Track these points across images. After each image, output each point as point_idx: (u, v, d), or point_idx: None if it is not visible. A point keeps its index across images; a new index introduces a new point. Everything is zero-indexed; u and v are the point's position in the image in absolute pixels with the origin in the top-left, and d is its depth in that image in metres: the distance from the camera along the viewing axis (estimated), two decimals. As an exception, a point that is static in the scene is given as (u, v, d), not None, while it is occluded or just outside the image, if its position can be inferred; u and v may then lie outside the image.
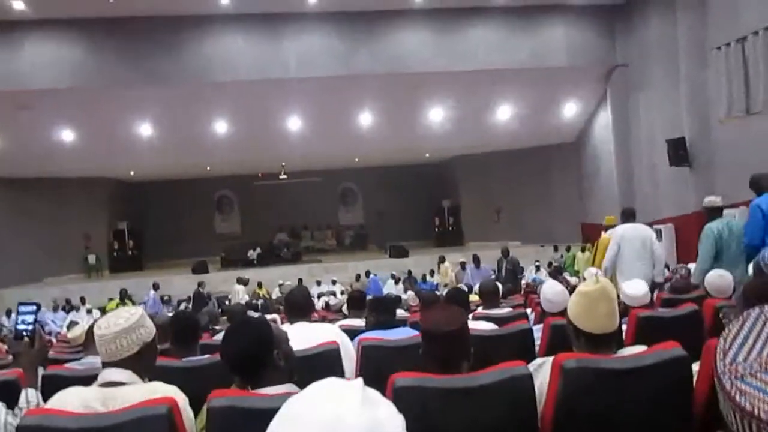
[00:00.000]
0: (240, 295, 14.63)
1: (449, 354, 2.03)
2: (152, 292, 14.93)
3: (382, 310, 3.70)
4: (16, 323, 2.40)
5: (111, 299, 14.76)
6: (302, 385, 1.90)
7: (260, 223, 24.83)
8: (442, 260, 15.05)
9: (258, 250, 21.14)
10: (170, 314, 8.76)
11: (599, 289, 2.17)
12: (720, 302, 3.58)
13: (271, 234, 23.08)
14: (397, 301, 9.22)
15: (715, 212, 5.87)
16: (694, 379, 2.04)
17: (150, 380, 2.06)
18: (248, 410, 1.77)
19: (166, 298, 16.35)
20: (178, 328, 3.34)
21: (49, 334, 10.69)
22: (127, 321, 2.05)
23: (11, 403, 2.21)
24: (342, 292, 15.67)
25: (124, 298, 14.04)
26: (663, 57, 13.72)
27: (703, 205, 6.06)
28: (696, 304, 3.65)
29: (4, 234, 17.86)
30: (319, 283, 17.36)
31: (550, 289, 3.79)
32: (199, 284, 15.18)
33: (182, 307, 14.22)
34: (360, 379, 1.07)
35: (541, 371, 2.18)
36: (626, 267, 6.43)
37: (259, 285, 16.64)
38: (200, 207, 25.59)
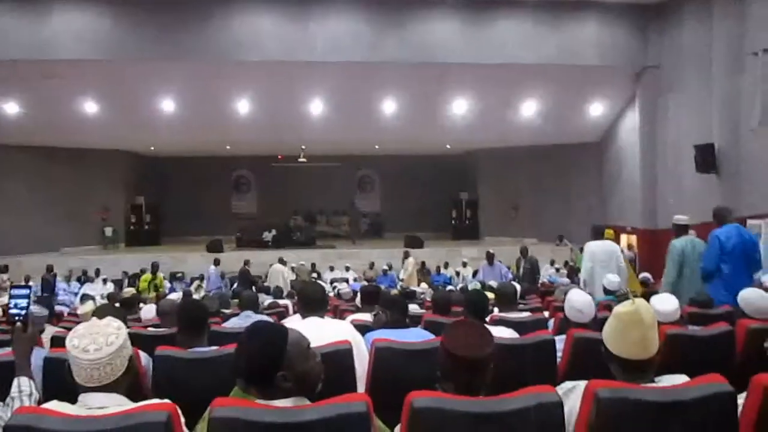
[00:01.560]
0: (284, 276, 14.00)
1: (474, 380, 1.90)
2: (212, 267, 14.87)
3: (395, 310, 3.59)
4: (9, 306, 2.25)
5: (143, 271, 14.79)
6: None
7: (276, 205, 24.84)
8: (406, 255, 15.04)
9: (273, 232, 21.13)
10: (178, 295, 8.94)
11: (632, 313, 2.02)
12: (755, 324, 3.40)
13: (287, 217, 23.12)
14: (411, 296, 9.10)
15: (681, 230, 6.59)
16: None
17: (141, 399, 1.86)
18: (254, 424, 1.65)
19: (179, 274, 16.42)
20: (185, 316, 3.24)
21: (61, 304, 10.58)
22: (118, 337, 1.87)
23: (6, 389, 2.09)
24: (355, 279, 15.66)
25: (156, 271, 14.00)
26: (696, 60, 13.37)
27: (673, 222, 6.76)
28: (727, 323, 3.49)
29: (24, 201, 18.07)
30: (332, 269, 17.35)
31: (579, 299, 3.62)
32: (246, 262, 14.92)
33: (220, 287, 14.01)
34: None
35: (571, 396, 2.03)
36: (596, 279, 7.29)
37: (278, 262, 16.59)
38: (218, 185, 25.67)
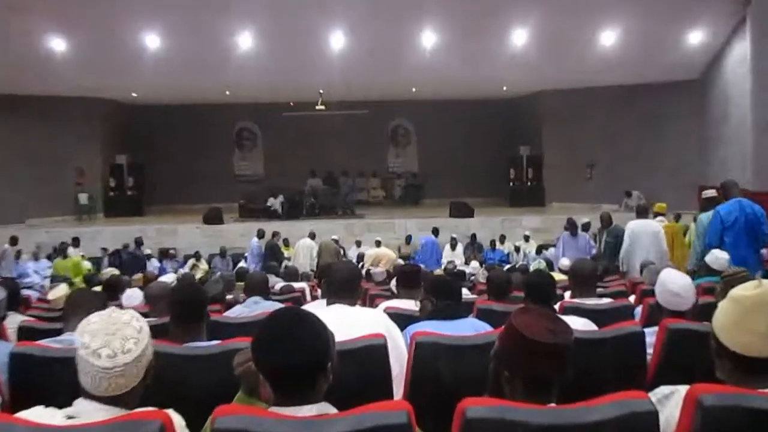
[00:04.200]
0: (313, 254, 14.36)
1: (554, 374, 1.90)
2: (255, 239, 15.39)
3: (443, 295, 3.56)
4: None
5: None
6: (335, 391, 1.88)
7: (289, 166, 24.93)
8: (357, 243, 15.61)
9: (281, 198, 21.07)
10: (171, 277, 9.10)
11: (758, 296, 1.96)
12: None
13: (302, 179, 23.20)
14: (460, 277, 9.17)
15: (709, 203, 7.65)
16: None
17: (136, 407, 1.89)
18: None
19: (172, 251, 16.64)
20: (179, 302, 3.27)
21: (29, 288, 10.81)
22: (138, 342, 1.87)
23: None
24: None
25: (67, 249, 14.33)
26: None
27: (703, 197, 7.98)
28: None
29: (-20, 163, 18.42)
30: (359, 244, 17.44)
31: (676, 280, 3.54)
32: (274, 234, 15.40)
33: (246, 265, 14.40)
34: None
35: (668, 405, 2.01)
36: (636, 261, 8.28)
37: (285, 243, 16.84)
38: (216, 141, 25.77)
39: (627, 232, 8.95)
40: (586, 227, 11.96)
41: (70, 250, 14.80)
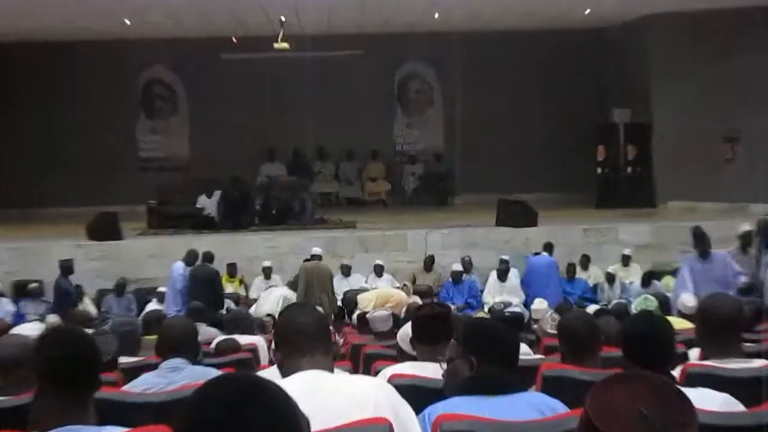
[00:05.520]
0: (270, 300, 14.69)
1: None
2: (179, 265, 15.66)
3: (489, 353, 3.62)
4: None
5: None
6: None
7: (230, 142, 25.12)
8: (344, 271, 16.61)
9: (216, 196, 20.75)
10: (35, 326, 9.14)
11: None
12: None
13: (253, 164, 23.50)
14: (518, 324, 9.56)
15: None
16: None
17: None
18: None
19: (34, 285, 16.51)
20: (49, 365, 3.32)
21: None
22: None
23: None
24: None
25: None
26: None
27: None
28: None
29: None
30: (347, 272, 17.52)
31: None
32: (199, 258, 15.76)
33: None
34: None
35: None
36: None
37: (230, 271, 17.21)
38: (107, 103, 25.60)
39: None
40: (747, 240, 12.11)
41: None
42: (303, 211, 21.55)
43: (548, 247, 17.07)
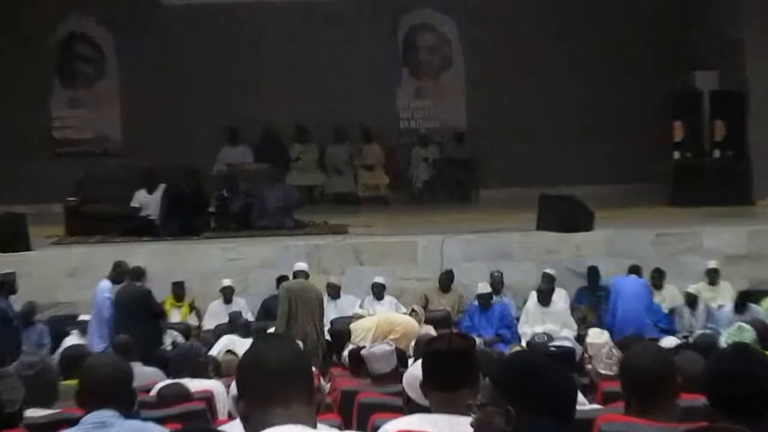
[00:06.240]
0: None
1: None
2: (106, 285, 15.41)
3: (534, 400, 3.22)
4: None
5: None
6: None
7: (177, 119, 24.41)
8: (331, 292, 16.31)
9: (160, 191, 20.23)
10: None
11: None
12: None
13: (210, 150, 23.11)
14: (569, 363, 9.71)
15: None
16: None
17: None
18: None
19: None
20: None
21: None
22: None
23: None
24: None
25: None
26: None
27: None
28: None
29: None
30: (335, 294, 17.03)
31: None
32: (135, 275, 15.58)
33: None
34: None
35: None
36: None
37: (177, 293, 16.90)
38: (12, 65, 24.73)
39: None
40: None
41: None
42: (275, 211, 20.97)
43: (635, 271, 16.49)
